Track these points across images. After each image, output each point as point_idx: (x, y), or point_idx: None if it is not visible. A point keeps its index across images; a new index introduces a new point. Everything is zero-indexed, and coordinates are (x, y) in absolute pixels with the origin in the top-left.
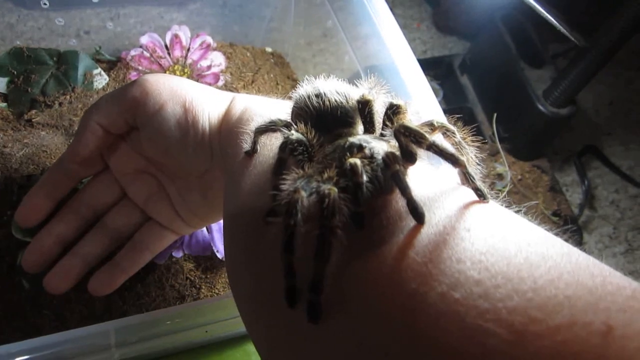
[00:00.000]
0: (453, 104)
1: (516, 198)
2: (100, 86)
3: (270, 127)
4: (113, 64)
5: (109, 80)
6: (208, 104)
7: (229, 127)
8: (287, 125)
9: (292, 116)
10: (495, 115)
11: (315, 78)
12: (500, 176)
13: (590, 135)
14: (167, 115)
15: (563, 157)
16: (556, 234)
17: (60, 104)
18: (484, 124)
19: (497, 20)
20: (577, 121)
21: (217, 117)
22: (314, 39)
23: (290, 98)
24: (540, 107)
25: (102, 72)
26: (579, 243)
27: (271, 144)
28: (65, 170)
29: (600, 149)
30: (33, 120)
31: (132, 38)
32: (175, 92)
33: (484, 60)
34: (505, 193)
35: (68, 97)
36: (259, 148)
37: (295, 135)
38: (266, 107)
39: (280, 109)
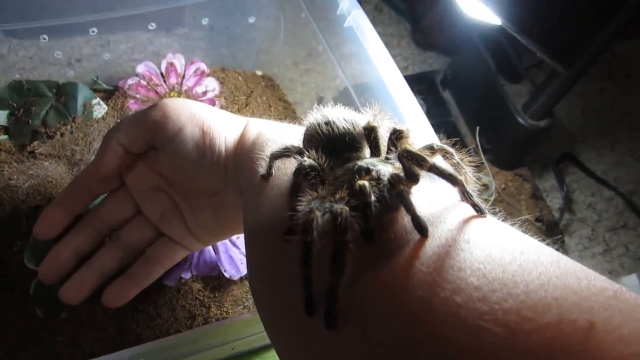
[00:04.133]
0: (436, 118)
1: (501, 206)
2: (99, 115)
3: (285, 153)
4: (110, 93)
5: (108, 109)
6: (224, 128)
7: (244, 151)
8: (300, 152)
9: (304, 142)
10: (477, 128)
11: (302, 96)
12: (485, 186)
13: (566, 143)
14: (185, 138)
15: (542, 165)
16: (546, 243)
17: (61, 135)
18: (467, 136)
19: (475, 36)
20: (554, 130)
21: (233, 140)
22: (300, 59)
23: (288, 119)
24: (520, 120)
25: (101, 102)
26: (561, 246)
27: (285, 167)
28: (84, 186)
29: (576, 156)
30: (36, 151)
31: (124, 65)
32: (194, 116)
33: (464, 76)
34: (491, 202)
35: (69, 127)
36: (274, 172)
37: (307, 161)
38: (278, 132)
39: (290, 133)
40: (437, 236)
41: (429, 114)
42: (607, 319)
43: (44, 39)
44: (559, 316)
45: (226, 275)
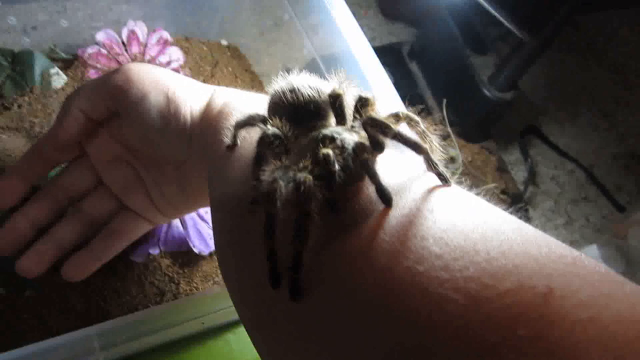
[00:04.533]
0: (404, 90)
1: (468, 179)
2: (59, 85)
3: (249, 122)
4: (69, 63)
5: (68, 79)
6: (190, 96)
7: (209, 121)
8: (264, 120)
9: (268, 111)
10: (445, 101)
11: (269, 67)
12: (452, 159)
13: (530, 116)
14: (149, 105)
15: (507, 138)
16: (510, 213)
17: (19, 106)
18: (434, 109)
19: (442, 7)
20: (518, 103)
21: (199, 109)
22: (265, 28)
23: (255, 91)
24: (486, 92)
25: (60, 72)
26: (526, 218)
27: (250, 137)
28: (42, 154)
29: (540, 129)
30: None
31: (83, 32)
32: (158, 82)
33: (431, 48)
34: (457, 175)
35: (27, 98)
36: (239, 142)
37: (271, 130)
38: (244, 102)
39: (257, 102)
40: (402, 206)
41: (396, 86)
42: (566, 285)
43: None
44: (519, 283)
45: (195, 250)
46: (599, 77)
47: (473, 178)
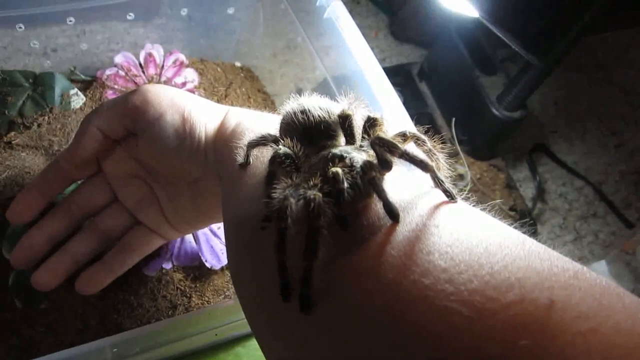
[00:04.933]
0: (413, 109)
1: (476, 196)
2: (77, 106)
3: (261, 142)
4: (88, 84)
5: (86, 100)
6: (205, 116)
7: (223, 140)
8: (276, 140)
9: (280, 131)
10: (453, 119)
11: (282, 87)
12: (461, 176)
13: (538, 134)
14: (166, 124)
15: (515, 156)
16: (515, 228)
17: (39, 125)
18: (443, 127)
19: (452, 29)
20: (527, 121)
21: (213, 128)
22: (279, 50)
23: (267, 111)
24: (495, 112)
25: (79, 92)
26: (533, 234)
27: (263, 156)
28: (60, 171)
29: (548, 147)
30: (13, 142)
31: (101, 55)
32: (174, 102)
33: (440, 68)
34: (466, 192)
35: (46, 118)
36: (251, 160)
37: (283, 149)
38: (256, 122)
39: (268, 122)
40: (408, 221)
41: (406, 105)
42: (567, 297)
43: (20, 27)
44: (521, 295)
45: (207, 265)
46: (607, 96)
47: (482, 195)
